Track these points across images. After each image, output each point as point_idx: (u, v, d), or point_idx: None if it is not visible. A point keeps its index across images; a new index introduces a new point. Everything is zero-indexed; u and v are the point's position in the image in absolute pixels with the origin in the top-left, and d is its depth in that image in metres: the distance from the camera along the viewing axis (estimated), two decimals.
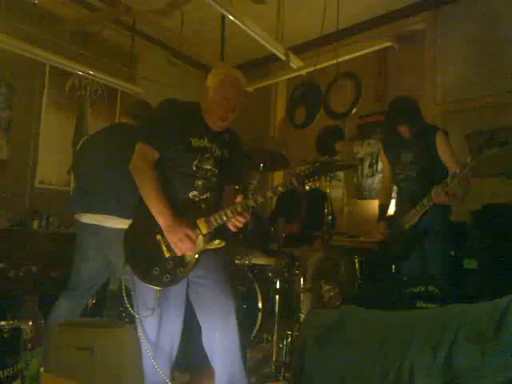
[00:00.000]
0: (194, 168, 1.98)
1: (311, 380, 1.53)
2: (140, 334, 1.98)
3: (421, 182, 2.94)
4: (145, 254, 1.93)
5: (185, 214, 1.93)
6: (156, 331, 1.98)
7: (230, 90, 2.02)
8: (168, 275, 1.90)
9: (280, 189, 1.91)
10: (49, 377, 1.34)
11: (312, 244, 3.84)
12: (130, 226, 2.01)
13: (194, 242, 1.89)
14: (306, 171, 1.89)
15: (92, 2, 4.82)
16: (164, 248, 1.91)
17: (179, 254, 1.90)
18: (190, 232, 1.87)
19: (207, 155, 2.02)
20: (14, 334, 0.97)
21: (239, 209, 1.91)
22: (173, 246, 1.89)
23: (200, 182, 1.99)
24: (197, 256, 1.94)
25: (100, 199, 2.61)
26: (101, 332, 2.03)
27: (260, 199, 1.91)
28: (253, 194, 1.95)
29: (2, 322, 0.98)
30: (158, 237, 1.92)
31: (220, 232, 2.00)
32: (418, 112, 3.02)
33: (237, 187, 2.21)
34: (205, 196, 2.00)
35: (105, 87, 5.25)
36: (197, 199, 1.98)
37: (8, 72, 4.40)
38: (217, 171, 2.05)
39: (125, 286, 2.00)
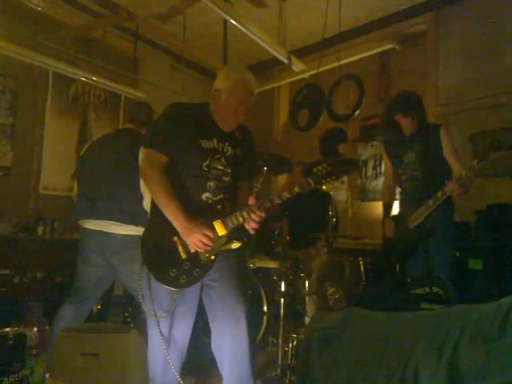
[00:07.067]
0: (204, 168, 1.97)
1: (316, 381, 1.52)
2: (151, 335, 1.98)
3: (425, 181, 2.91)
4: (162, 256, 1.93)
5: (201, 215, 1.92)
6: (167, 333, 1.97)
7: (244, 94, 2.01)
8: (184, 276, 1.90)
9: (296, 189, 1.90)
10: (54, 382, 1.35)
11: (315, 245, 3.84)
12: (147, 229, 2.03)
13: (212, 240, 1.88)
14: (324, 170, 1.89)
15: (95, 8, 4.85)
16: (181, 249, 1.91)
17: (201, 251, 1.90)
18: (207, 231, 1.87)
19: (218, 156, 2.01)
20: (19, 340, 0.97)
21: (255, 209, 1.90)
22: (192, 246, 1.89)
23: (212, 183, 1.98)
24: (213, 257, 1.93)
25: (104, 205, 2.61)
26: (106, 337, 2.03)
27: (277, 200, 1.91)
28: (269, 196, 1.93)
29: (7, 329, 0.99)
30: (175, 238, 1.92)
31: (237, 233, 1.99)
32: (421, 105, 2.98)
33: (255, 187, 2.17)
34: (218, 197, 1.98)
35: (108, 93, 5.27)
36: (210, 201, 1.97)
37: (11, 79, 4.43)
38: (229, 170, 2.03)
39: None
